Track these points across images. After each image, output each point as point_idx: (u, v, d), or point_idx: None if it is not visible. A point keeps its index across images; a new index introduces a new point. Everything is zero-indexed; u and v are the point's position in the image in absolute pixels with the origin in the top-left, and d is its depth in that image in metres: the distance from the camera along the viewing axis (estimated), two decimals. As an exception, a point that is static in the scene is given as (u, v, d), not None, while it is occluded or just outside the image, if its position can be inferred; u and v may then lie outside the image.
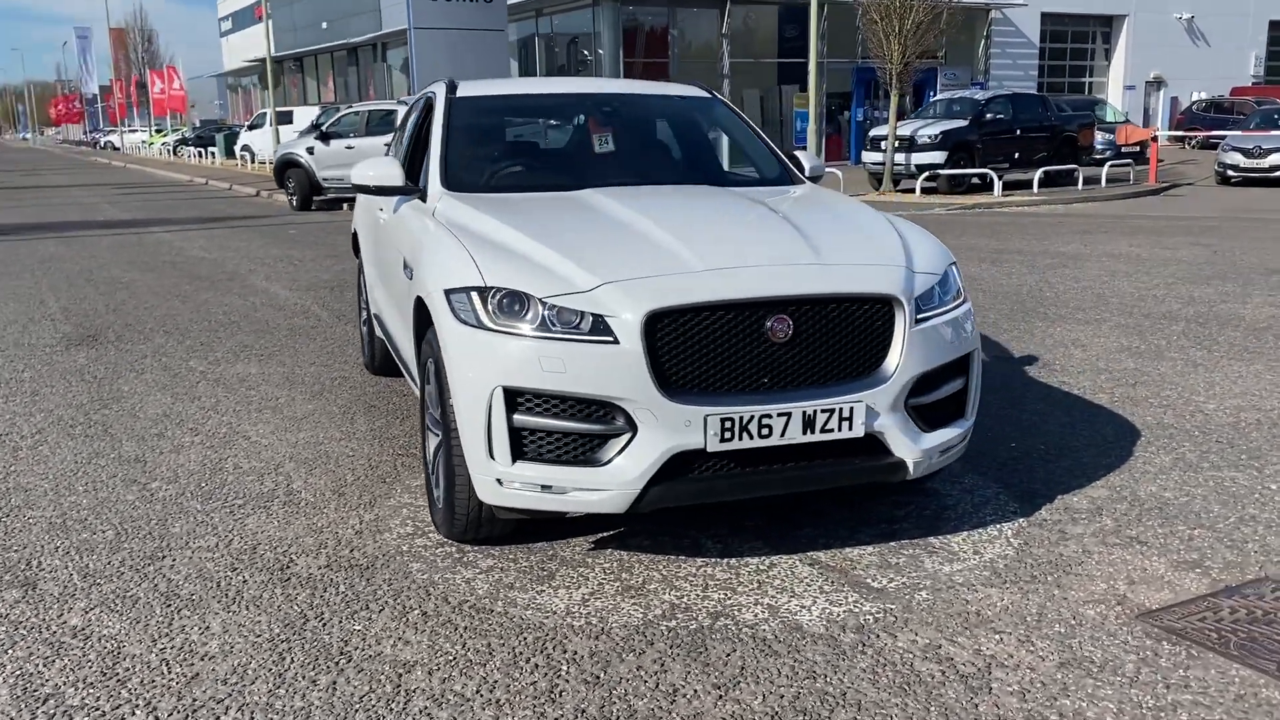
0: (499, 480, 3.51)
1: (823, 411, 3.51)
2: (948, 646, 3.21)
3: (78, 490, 4.66)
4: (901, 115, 21.43)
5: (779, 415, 3.47)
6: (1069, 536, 4.03)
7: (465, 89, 5.34)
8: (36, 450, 5.28)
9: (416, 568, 3.80)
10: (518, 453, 3.51)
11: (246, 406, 6.06)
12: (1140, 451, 5.00)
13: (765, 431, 3.47)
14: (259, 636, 3.30)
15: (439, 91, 5.32)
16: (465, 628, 3.33)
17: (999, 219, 16.59)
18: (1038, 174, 20.24)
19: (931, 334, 3.73)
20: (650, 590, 3.59)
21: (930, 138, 20.28)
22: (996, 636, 3.27)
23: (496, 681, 3.02)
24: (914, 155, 20.27)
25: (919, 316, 3.71)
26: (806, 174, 5.30)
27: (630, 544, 3.97)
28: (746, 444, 3.45)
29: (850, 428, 3.56)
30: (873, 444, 3.66)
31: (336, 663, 3.14)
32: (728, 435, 3.43)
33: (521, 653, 3.18)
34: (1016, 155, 20.99)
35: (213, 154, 41.13)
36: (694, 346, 3.43)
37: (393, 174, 4.75)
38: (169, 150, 48.40)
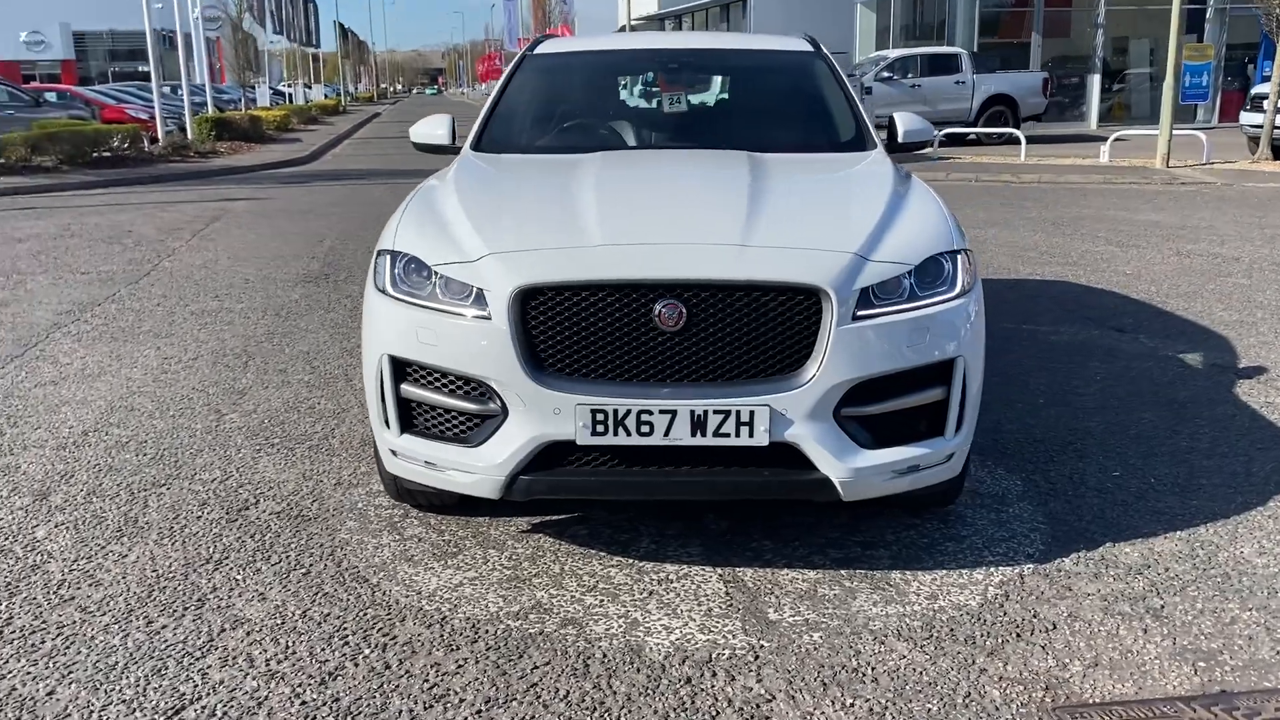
0: (392, 451, 3.43)
1: (715, 413, 3.09)
2: (778, 703, 2.74)
3: (169, 414, 5.12)
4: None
5: (661, 412, 3.10)
6: (1068, 595, 3.29)
7: (545, 46, 5.21)
8: (185, 369, 5.86)
9: (349, 527, 3.81)
10: (406, 424, 3.41)
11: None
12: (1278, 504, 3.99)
13: (645, 429, 3.11)
14: (153, 573, 3.46)
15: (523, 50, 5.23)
16: (324, 595, 3.31)
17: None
18: None
19: (882, 333, 3.15)
20: (533, 584, 3.37)
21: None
22: (845, 702, 2.75)
23: (297, 654, 2.97)
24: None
25: (864, 312, 3.15)
26: (900, 139, 4.68)
27: (568, 530, 3.74)
28: (624, 440, 3.12)
29: (751, 434, 3.11)
30: (789, 455, 3.18)
31: (184, 608, 3.23)
32: (600, 428, 3.11)
33: (347, 629, 3.11)
34: None
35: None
36: (570, 328, 3.13)
37: (438, 132, 4.74)
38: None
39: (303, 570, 3.46)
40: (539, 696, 2.76)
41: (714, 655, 2.95)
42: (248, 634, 3.07)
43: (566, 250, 3.23)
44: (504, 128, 4.74)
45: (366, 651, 2.98)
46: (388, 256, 3.46)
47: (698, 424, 3.10)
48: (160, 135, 22.02)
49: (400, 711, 2.70)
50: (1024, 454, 4.52)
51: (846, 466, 3.17)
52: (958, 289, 3.35)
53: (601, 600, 3.26)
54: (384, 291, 3.41)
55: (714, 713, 2.70)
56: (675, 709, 2.71)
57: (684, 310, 3.08)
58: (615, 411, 3.09)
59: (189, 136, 23.12)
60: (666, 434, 3.12)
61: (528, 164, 4.34)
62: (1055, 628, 3.10)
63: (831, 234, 3.33)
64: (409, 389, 3.34)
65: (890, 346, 3.17)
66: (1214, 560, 3.52)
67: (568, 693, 2.78)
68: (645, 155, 4.31)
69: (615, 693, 2.78)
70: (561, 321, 3.13)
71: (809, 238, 3.29)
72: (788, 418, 3.12)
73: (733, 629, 3.09)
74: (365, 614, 3.18)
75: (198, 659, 2.94)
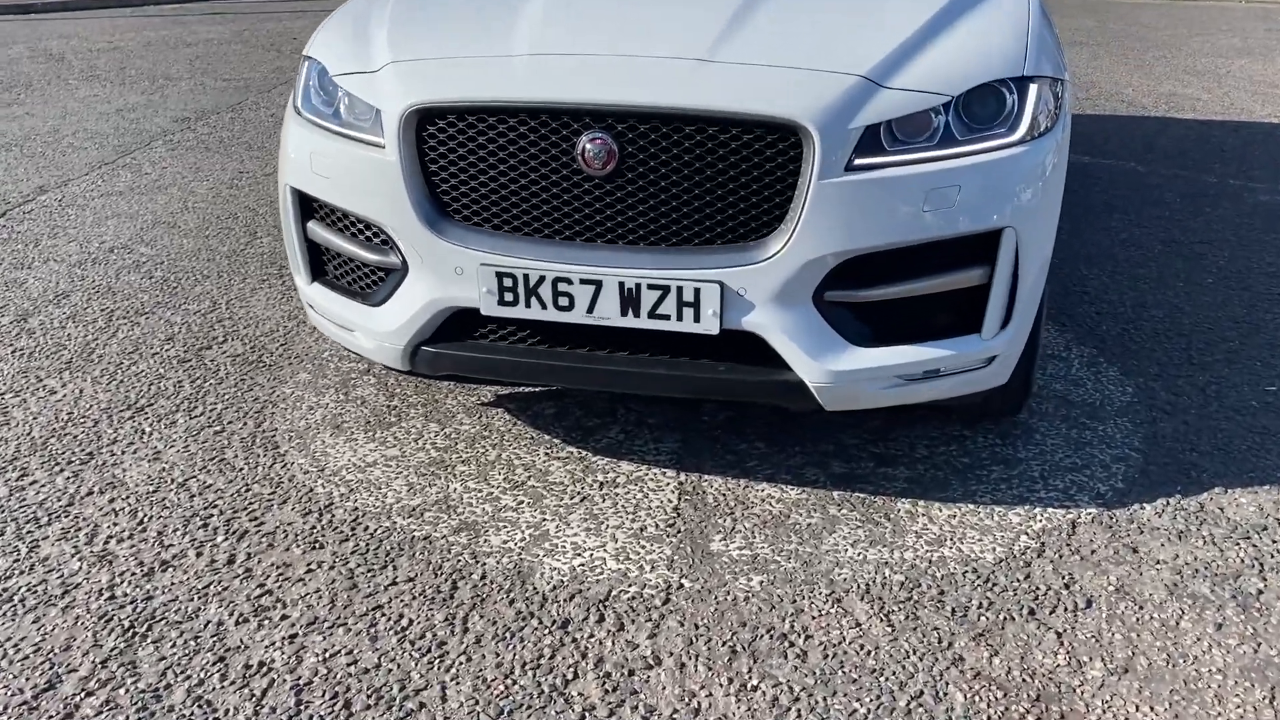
0: (309, 303, 2.89)
1: (651, 288, 2.37)
2: (658, 673, 2.10)
3: (205, 234, 4.80)
4: None
5: (583, 282, 2.40)
6: (1127, 559, 2.45)
7: None
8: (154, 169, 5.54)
9: (298, 380, 3.36)
10: (317, 271, 2.85)
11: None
12: None
13: (563, 302, 2.43)
14: (66, 415, 3.12)
15: None
16: (220, 462, 2.87)
17: None
18: None
19: (891, 189, 2.30)
20: (455, 471, 2.81)
21: None
22: (745, 682, 2.07)
23: (145, 533, 2.55)
24: None
25: (865, 160, 2.30)
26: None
27: (533, 407, 3.14)
28: (537, 314, 2.45)
29: (696, 318, 2.37)
30: (752, 348, 2.43)
31: (67, 462, 2.86)
32: (508, 297, 2.45)
33: (217, 508, 2.66)
34: None
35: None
36: (475, 166, 2.44)
37: None
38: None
39: (217, 429, 3.03)
40: (373, 625, 2.23)
41: (614, 593, 2.32)
42: (110, 502, 2.68)
43: (476, 61, 2.50)
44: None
45: (220, 539, 2.52)
46: (304, 64, 2.84)
47: (629, 300, 2.39)
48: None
49: (207, 623, 2.24)
50: (1155, 350, 3.52)
51: (827, 367, 2.39)
52: (1020, 132, 2.41)
53: (520, 502, 2.67)
54: (296, 110, 2.80)
55: (568, 674, 2.09)
56: (523, 664, 2.12)
57: (614, 148, 2.32)
58: (526, 277, 2.41)
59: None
60: (590, 310, 2.42)
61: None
62: (1089, 605, 2.28)
63: (835, 48, 2.44)
64: (316, 229, 2.77)
65: (902, 209, 2.31)
66: (1364, 529, 2.55)
67: (409, 624, 2.23)
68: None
69: (466, 630, 2.21)
70: (465, 156, 2.44)
71: (799, 53, 2.42)
72: (746, 299, 2.35)
73: (657, 558, 2.44)
74: (248, 491, 2.72)
75: (40, 526, 2.57)
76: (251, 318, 3.82)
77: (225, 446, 2.94)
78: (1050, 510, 2.63)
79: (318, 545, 2.50)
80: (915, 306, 2.45)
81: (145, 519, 2.60)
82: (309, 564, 2.43)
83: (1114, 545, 2.49)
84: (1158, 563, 2.43)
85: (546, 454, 2.88)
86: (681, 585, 2.35)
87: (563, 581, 2.36)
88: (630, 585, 2.35)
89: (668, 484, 2.74)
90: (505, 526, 2.56)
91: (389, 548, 2.49)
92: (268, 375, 3.37)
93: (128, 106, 7.65)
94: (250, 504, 2.66)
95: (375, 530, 2.55)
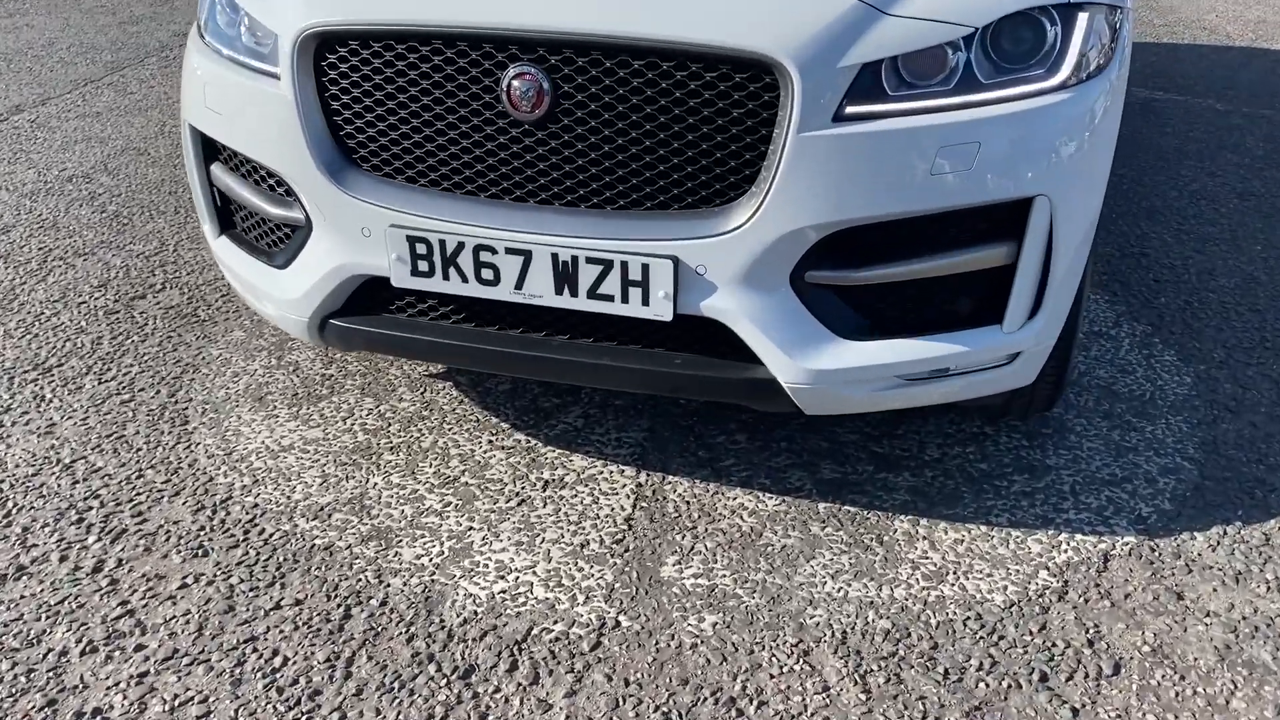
0: (218, 260, 2.49)
1: (590, 261, 1.92)
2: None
3: (174, 162, 4.41)
4: None
5: (509, 252, 1.96)
6: (1169, 608, 1.99)
7: None
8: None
9: (230, 339, 2.97)
10: (226, 223, 2.44)
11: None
12: None
13: (487, 274, 1.99)
14: (-36, 376, 2.78)
15: None
16: (116, 439, 2.50)
17: None
18: None
19: (892, 145, 1.82)
20: (380, 461, 2.41)
21: None
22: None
23: (41, 523, 2.20)
24: None
25: (860, 108, 1.82)
26: None
27: (486, 381, 2.73)
28: (456, 288, 2.02)
29: (645, 300, 1.93)
30: (714, 337, 1.99)
31: (-54, 436, 2.52)
32: (422, 265, 2.02)
33: (96, 504, 2.29)
34: None
35: None
36: (382, 102, 1.99)
37: None
38: None
39: (126, 397, 2.66)
40: (241, 663, 1.85)
41: (534, 631, 1.92)
42: (22, 453, 2.33)
43: (389, -25, 2.03)
44: None
45: (91, 540, 2.16)
46: (211, -19, 2.39)
47: (564, 276, 1.95)
48: None
49: (49, 652, 1.88)
50: (1222, 330, 3.01)
51: (806, 365, 1.94)
52: (1061, 74, 1.91)
53: (447, 504, 2.27)
54: (200, 32, 2.37)
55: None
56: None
57: (545, 85, 1.86)
58: (443, 244, 1.98)
59: None
60: (519, 286, 1.98)
61: None
62: (1116, 672, 1.84)
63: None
64: (219, 174, 2.35)
65: (906, 171, 1.83)
66: None
67: (283, 663, 1.85)
68: None
69: (349, 676, 1.83)
70: (370, 92, 1.99)
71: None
72: (707, 279, 1.90)
73: (595, 586, 2.03)
74: (139, 478, 2.35)
75: (-105, 516, 2.23)
76: (198, 263, 3.43)
77: (129, 420, 2.57)
78: (1079, 537, 2.17)
79: (201, 553, 2.12)
80: (921, 291, 1.98)
81: (14, 509, 2.25)
82: (185, 577, 2.06)
83: (1154, 588, 2.04)
84: (1208, 615, 1.97)
85: (490, 441, 2.48)
86: (618, 624, 1.94)
87: (476, 613, 1.97)
88: (556, 622, 1.95)
89: (624, 486, 2.32)
90: (423, 536, 2.17)
91: (282, 559, 2.10)
92: (198, 333, 2.98)
93: (131, 19, 7.23)
94: (138, 495, 2.30)
95: (271, 535, 2.17)
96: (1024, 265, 1.96)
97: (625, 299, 1.93)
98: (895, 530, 2.19)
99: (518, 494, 2.29)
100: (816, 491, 2.31)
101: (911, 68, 1.86)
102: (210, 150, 2.35)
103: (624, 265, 1.90)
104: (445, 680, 1.82)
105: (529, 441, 2.48)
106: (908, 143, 1.81)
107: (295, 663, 1.85)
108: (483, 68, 1.89)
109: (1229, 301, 3.20)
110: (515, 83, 1.87)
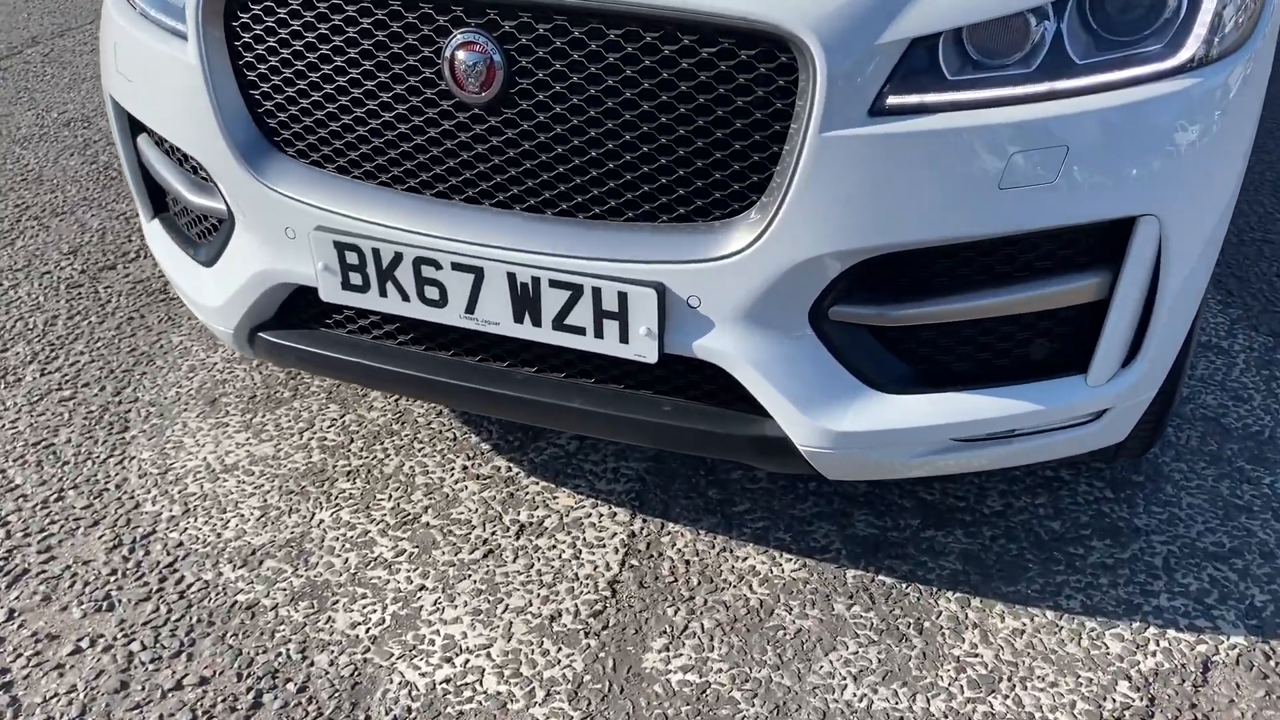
0: (152, 249, 2.12)
1: (554, 285, 1.51)
2: None
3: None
4: None
5: (455, 267, 1.55)
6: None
7: None
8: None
9: (196, 324, 2.64)
10: (158, 205, 2.07)
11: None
12: None
13: (431, 293, 1.59)
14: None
15: None
16: (55, 447, 2.18)
17: None
18: None
19: (946, 148, 1.36)
20: (331, 493, 2.06)
21: None
22: None
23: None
24: None
25: (904, 99, 1.36)
26: None
27: (472, 387, 2.34)
28: (396, 306, 1.63)
29: (623, 336, 1.52)
30: (712, 382, 1.57)
31: None
32: (354, 279, 1.63)
33: (4, 531, 1.98)
34: None
35: None
36: (304, 74, 1.59)
37: None
38: None
39: (68, 393, 2.34)
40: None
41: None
42: (-120, 506, 2.03)
43: (307, -86, 1.61)
44: None
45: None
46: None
47: (523, 300, 1.54)
48: None
49: (-102, 741, 1.57)
50: (1357, 350, 2.49)
51: (828, 425, 1.51)
52: (1186, 50, 1.42)
53: (400, 552, 1.90)
54: (120, -18, 1.97)
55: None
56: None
57: (497, 58, 1.43)
58: (377, 253, 1.58)
59: None
60: (470, 310, 1.58)
61: None
62: None
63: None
64: (145, 148, 1.97)
65: (966, 182, 1.37)
66: None
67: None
68: None
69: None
70: (290, 61, 1.58)
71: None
72: (701, 314, 1.47)
73: (559, 677, 1.66)
74: (59, 500, 2.03)
75: None
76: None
77: (63, 424, 2.24)
78: (1172, 634, 1.73)
79: (106, 606, 1.79)
80: (983, 333, 1.53)
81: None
82: (82, 639, 1.73)
83: (1268, 714, 1.59)
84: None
85: (465, 468, 2.10)
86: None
87: (408, 712, 1.60)
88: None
89: (614, 536, 1.93)
90: (364, 596, 1.81)
91: (196, 619, 1.77)
92: (163, 314, 2.65)
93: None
94: (52, 524, 1.97)
95: (190, 586, 1.83)
96: (1119, 302, 1.49)
97: (600, 333, 1.52)
98: (939, 613, 1.77)
99: (485, 541, 1.92)
100: (846, 553, 1.89)
101: (980, 43, 1.39)
102: (136, 119, 1.97)
103: (595, 291, 1.49)
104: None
105: (509, 470, 2.10)
106: (970, 145, 1.36)
107: (182, 769, 1.52)
108: (421, 33, 1.47)
109: (1370, 306, 2.66)
110: (460, 54, 1.44)
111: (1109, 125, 1.38)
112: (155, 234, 2.04)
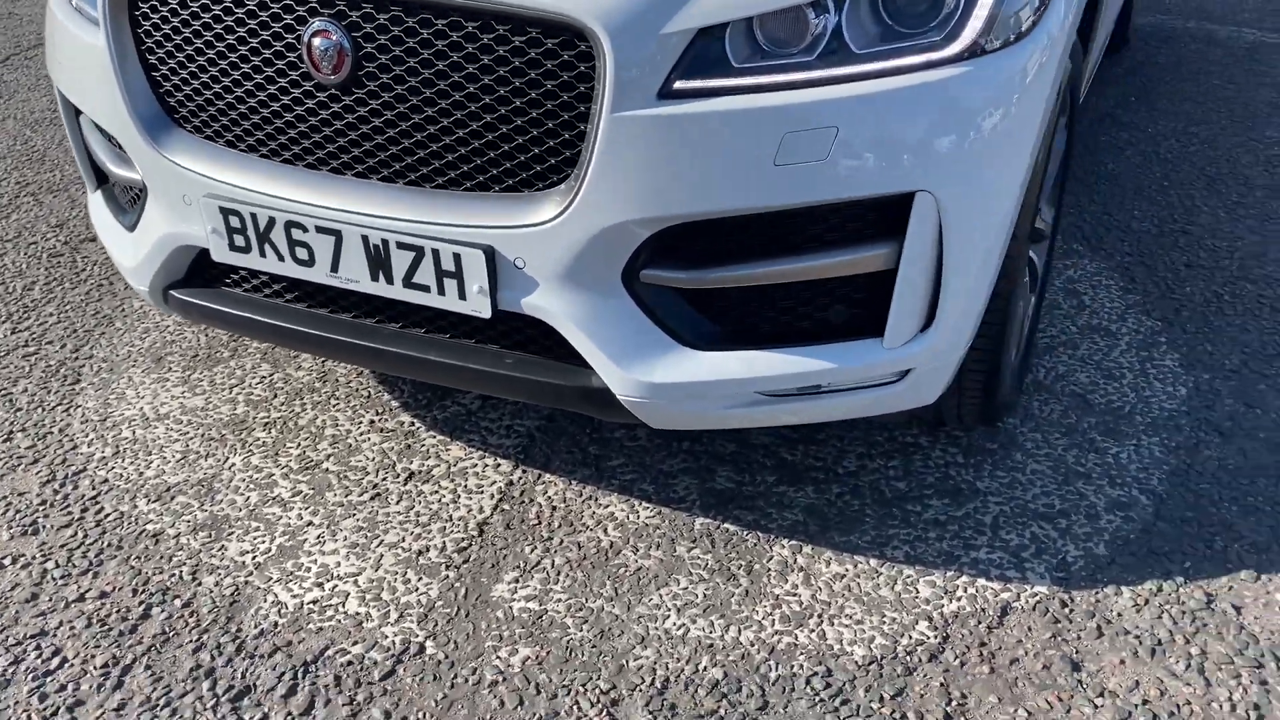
0: (93, 219, 2.36)
1: (400, 246, 1.71)
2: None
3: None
4: None
5: (319, 230, 1.76)
6: (1065, 682, 1.70)
7: None
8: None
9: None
10: (101, 177, 2.30)
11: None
12: None
13: (301, 253, 1.80)
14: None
15: None
16: (13, 396, 2.42)
17: None
18: None
19: (726, 127, 1.54)
20: (248, 439, 2.27)
21: None
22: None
23: None
24: None
25: (693, 83, 1.54)
26: None
27: (394, 352, 2.55)
28: (274, 265, 1.84)
29: (461, 293, 1.71)
30: (543, 338, 1.76)
31: None
32: (238, 240, 1.84)
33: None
34: None
35: None
36: (194, 57, 1.80)
37: None
38: None
39: (32, 350, 2.59)
40: (15, 662, 1.75)
41: (327, 654, 1.77)
42: None
43: (194, -85, 1.82)
44: None
45: (-70, 509, 2.08)
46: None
47: (377, 261, 1.74)
48: None
49: None
50: (1248, 328, 2.61)
51: (642, 376, 1.69)
52: (962, 41, 1.57)
53: (296, 493, 2.11)
54: (67, -31, 2.20)
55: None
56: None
57: (345, 44, 1.63)
58: (254, 217, 1.79)
59: None
60: (334, 269, 1.79)
61: None
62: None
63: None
64: (85, 126, 2.20)
65: (746, 160, 1.55)
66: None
67: (56, 666, 1.74)
68: None
69: (119, 687, 1.70)
70: (182, 45, 1.80)
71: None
72: (526, 274, 1.66)
73: (414, 603, 1.85)
74: (6, 441, 2.27)
75: None
76: (161, 204, 3.33)
77: (24, 376, 2.49)
78: (981, 582, 1.88)
79: (31, 530, 2.02)
80: (786, 297, 1.70)
81: (-128, 470, 2.19)
82: (4, 556, 1.96)
83: (1048, 654, 1.74)
84: (1101, 694, 1.67)
85: (371, 422, 2.30)
86: (421, 650, 1.76)
87: (276, 625, 1.81)
88: (356, 643, 1.77)
89: (493, 484, 2.12)
90: (256, 530, 2.02)
91: (106, 544, 1.99)
92: (126, 283, 2.88)
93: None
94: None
95: (107, 516, 2.06)
96: (905, 272, 1.65)
97: (441, 290, 1.72)
98: (771, 558, 1.93)
99: (373, 486, 2.12)
100: (700, 504, 2.06)
101: (769, 34, 1.56)
102: (78, 100, 2.19)
103: (435, 253, 1.68)
104: (215, 701, 1.67)
105: (412, 425, 2.29)
106: (745, 127, 1.52)
107: (72, 666, 1.74)
108: (284, 22, 1.68)
109: (1268, 296, 2.77)
110: (315, 40, 1.65)
111: (878, 109, 1.54)
112: (96, 204, 2.27)
